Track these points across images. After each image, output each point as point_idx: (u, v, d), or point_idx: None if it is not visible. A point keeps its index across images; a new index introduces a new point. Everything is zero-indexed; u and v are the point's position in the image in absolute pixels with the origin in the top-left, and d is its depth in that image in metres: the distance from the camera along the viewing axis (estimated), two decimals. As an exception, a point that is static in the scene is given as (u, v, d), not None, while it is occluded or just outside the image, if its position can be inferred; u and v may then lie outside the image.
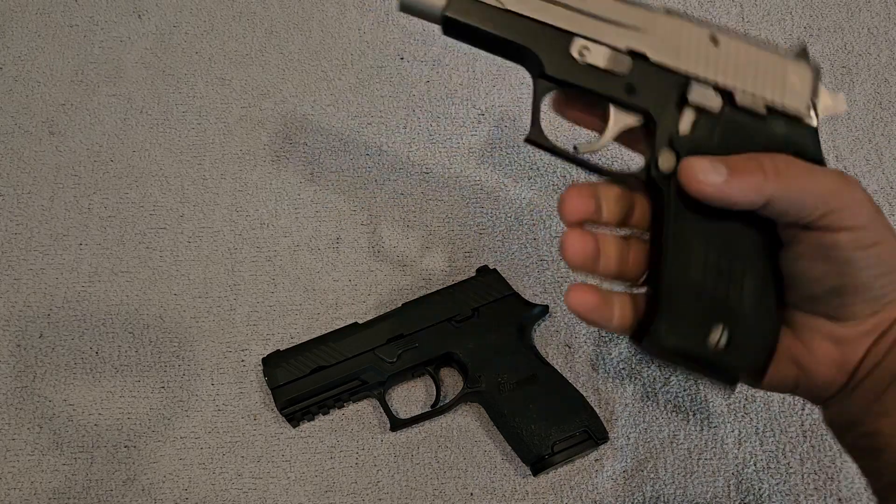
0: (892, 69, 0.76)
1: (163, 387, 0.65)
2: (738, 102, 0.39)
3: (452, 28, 0.45)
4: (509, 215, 0.70)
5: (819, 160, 0.39)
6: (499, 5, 0.42)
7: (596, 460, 0.61)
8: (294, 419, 0.61)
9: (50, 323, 0.67)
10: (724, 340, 0.39)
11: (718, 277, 0.39)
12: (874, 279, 0.37)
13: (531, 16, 0.42)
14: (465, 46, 0.81)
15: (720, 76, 0.39)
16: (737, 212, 0.38)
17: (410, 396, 0.64)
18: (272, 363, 0.61)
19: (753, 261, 0.39)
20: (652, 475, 0.60)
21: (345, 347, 0.61)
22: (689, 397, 0.62)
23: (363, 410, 0.63)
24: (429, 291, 0.65)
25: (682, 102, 0.39)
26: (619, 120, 0.41)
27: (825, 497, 0.59)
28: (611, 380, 0.63)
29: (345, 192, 0.72)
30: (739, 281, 0.39)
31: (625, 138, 0.42)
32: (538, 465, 0.58)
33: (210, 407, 0.64)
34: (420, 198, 0.71)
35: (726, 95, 0.39)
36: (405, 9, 0.46)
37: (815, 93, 0.39)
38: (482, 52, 0.81)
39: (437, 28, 0.83)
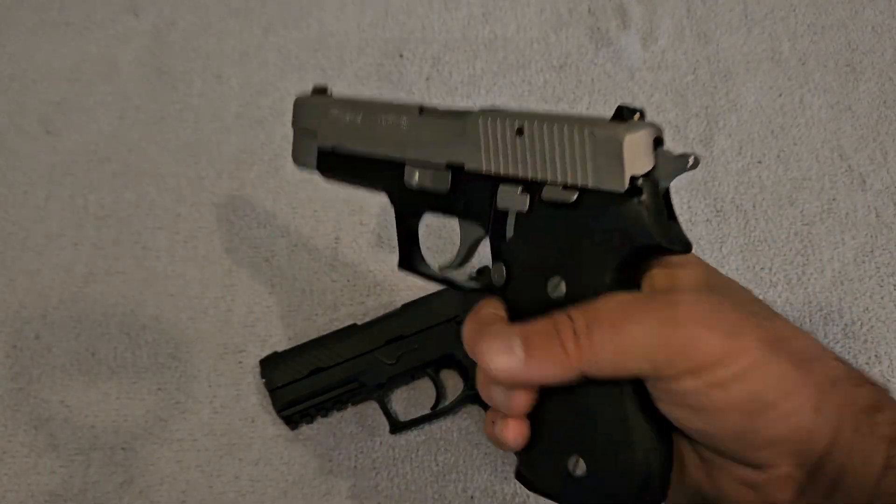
0: (897, 67, 0.75)
1: (159, 389, 0.64)
2: (543, 197, 0.34)
3: (329, 178, 0.49)
4: (510, 215, 0.69)
5: (649, 231, 0.31)
6: (342, 150, 0.45)
7: (597, 463, 0.60)
8: (292, 422, 0.60)
9: (45, 324, 0.66)
10: (580, 470, 0.33)
11: (570, 409, 0.33)
12: (750, 420, 0.29)
13: (371, 154, 0.43)
14: (464, 44, 0.81)
15: (525, 171, 0.35)
16: None
17: (410, 399, 0.63)
18: (270, 365, 0.60)
19: (609, 392, 0.32)
20: (654, 478, 0.59)
21: (344, 349, 0.60)
22: (692, 399, 0.62)
23: (362, 413, 0.62)
24: (428, 293, 0.64)
25: (497, 208, 0.36)
26: (466, 234, 0.41)
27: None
28: (613, 382, 0.63)
29: (343, 191, 0.71)
30: (594, 411, 0.33)
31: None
32: (539, 468, 0.57)
33: (207, 409, 0.63)
34: (420, 197, 0.71)
35: (535, 189, 0.34)
36: (299, 166, 0.51)
37: (640, 159, 0.31)
38: (482, 51, 0.81)
39: (437, 25, 0.83)
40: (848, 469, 0.29)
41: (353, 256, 0.68)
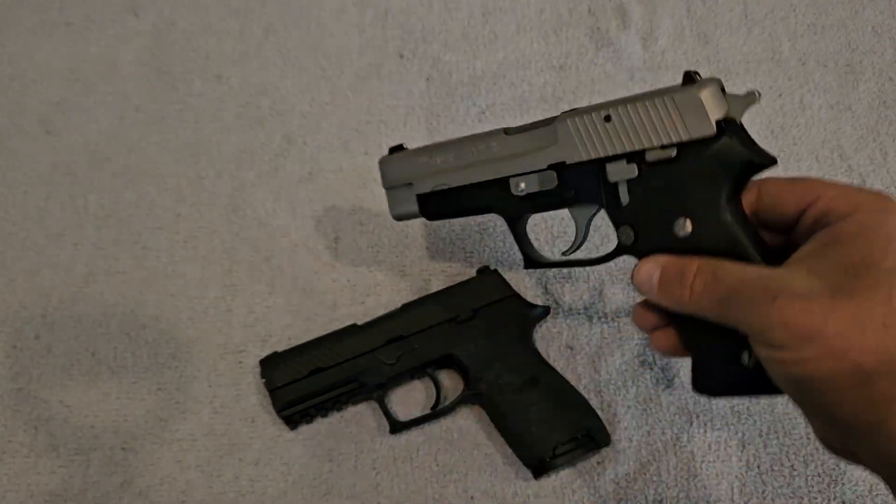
0: (897, 67, 0.75)
1: (159, 389, 0.64)
2: (647, 160, 0.42)
3: (435, 218, 0.56)
4: (510, 215, 0.69)
5: (745, 155, 0.40)
6: (446, 186, 0.52)
7: (598, 463, 0.60)
8: (292, 421, 0.60)
9: (45, 324, 0.66)
10: (753, 361, 0.40)
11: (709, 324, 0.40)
12: (800, 395, 0.36)
13: (472, 182, 0.50)
14: (464, 45, 0.81)
15: (623, 147, 0.43)
16: None
17: (410, 399, 0.63)
18: (270, 365, 0.60)
19: None
20: (655, 478, 0.59)
21: (343, 349, 0.60)
22: (693, 399, 0.62)
23: (362, 413, 0.62)
24: (428, 292, 0.64)
25: (608, 183, 0.44)
26: (581, 215, 0.48)
27: (829, 500, 0.58)
28: (613, 382, 0.63)
29: (344, 191, 0.71)
30: None
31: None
32: (540, 468, 0.57)
33: (207, 409, 0.63)
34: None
35: (638, 157, 0.43)
36: (399, 219, 0.57)
37: (718, 105, 0.40)
38: (482, 51, 0.81)
39: (436, 25, 0.83)
40: None
41: (353, 256, 0.68)
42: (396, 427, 0.60)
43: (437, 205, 0.53)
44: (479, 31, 0.79)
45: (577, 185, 0.46)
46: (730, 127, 0.40)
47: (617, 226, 0.45)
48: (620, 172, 0.43)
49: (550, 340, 0.64)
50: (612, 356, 0.64)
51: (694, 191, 0.41)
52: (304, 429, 0.62)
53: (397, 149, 0.56)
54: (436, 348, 0.60)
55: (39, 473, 0.61)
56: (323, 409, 0.61)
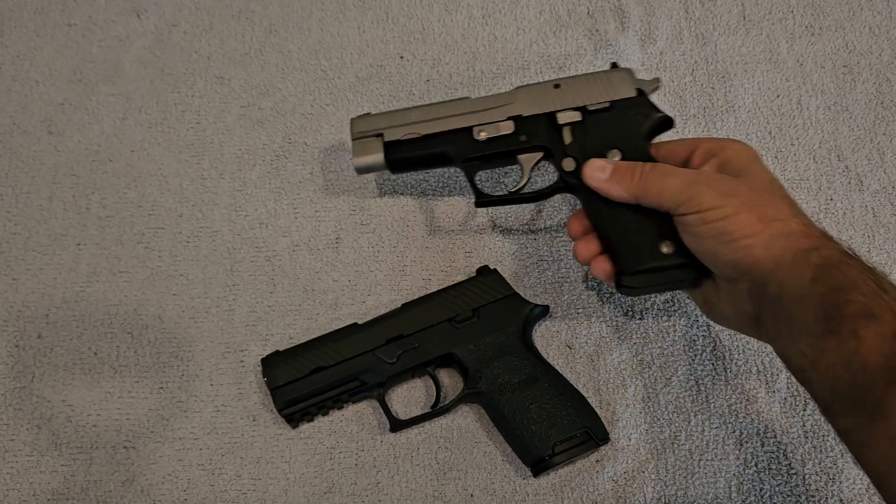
0: (894, 68, 0.75)
1: (161, 387, 0.64)
2: (589, 108, 0.60)
3: (397, 167, 0.64)
4: (509, 215, 0.70)
5: (655, 112, 0.59)
6: (416, 135, 0.62)
7: (597, 461, 0.60)
8: (293, 420, 0.61)
9: (48, 323, 0.67)
10: (671, 248, 0.54)
11: (638, 218, 0.55)
12: (720, 245, 0.49)
13: (440, 130, 0.62)
14: (464, 46, 0.81)
15: (568, 102, 0.61)
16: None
17: (410, 397, 0.63)
18: (271, 364, 0.61)
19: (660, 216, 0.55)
20: (653, 476, 0.60)
21: (344, 348, 0.61)
22: (691, 398, 0.62)
23: (363, 411, 0.63)
24: (429, 291, 0.64)
25: (557, 127, 0.60)
26: (527, 161, 0.62)
27: (827, 498, 0.58)
28: (612, 380, 0.63)
29: (344, 191, 0.72)
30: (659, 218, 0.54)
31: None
32: (539, 466, 0.57)
33: (209, 408, 0.63)
34: (420, 198, 0.71)
35: (582, 109, 0.60)
36: (361, 170, 0.64)
37: (635, 81, 0.61)
38: (482, 53, 0.81)
39: (437, 26, 0.83)
40: (785, 284, 0.46)
41: (354, 256, 0.69)
42: (397, 425, 0.60)
43: (403, 152, 0.62)
44: (479, 32, 0.79)
45: (529, 131, 0.61)
46: (642, 94, 0.60)
47: (559, 160, 0.59)
48: (568, 118, 0.60)
49: (550, 339, 0.65)
50: (610, 355, 0.64)
51: (621, 131, 0.59)
52: (305, 427, 0.62)
53: (362, 116, 0.65)
54: (436, 347, 0.61)
55: (42, 472, 0.62)
56: (324, 408, 0.61)
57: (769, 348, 0.60)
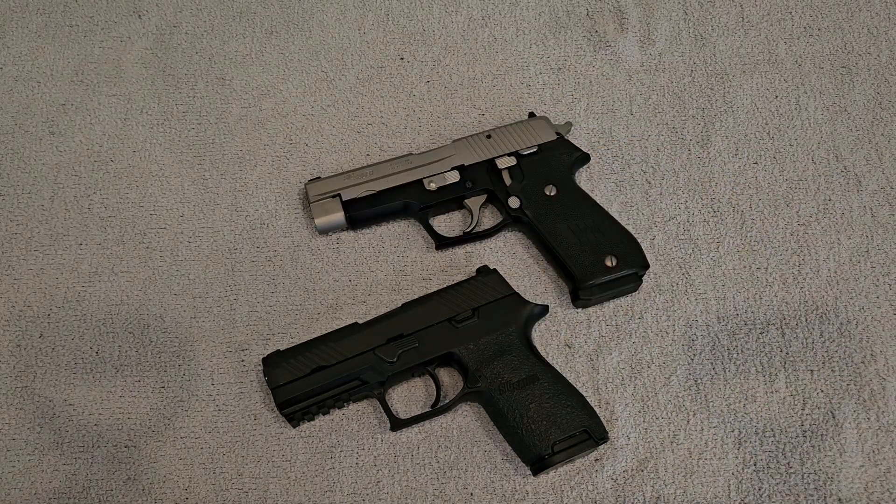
0: (892, 69, 0.76)
1: (163, 387, 0.65)
2: (522, 153, 0.70)
3: (357, 223, 0.69)
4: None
5: (575, 150, 0.70)
6: (372, 192, 0.68)
7: (596, 460, 0.61)
8: (294, 419, 0.61)
9: (50, 323, 0.67)
10: (615, 261, 0.64)
11: (585, 234, 0.66)
12: None
13: (394, 185, 0.68)
14: (464, 47, 0.81)
15: (503, 149, 0.70)
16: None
17: (410, 396, 0.64)
18: (272, 363, 0.61)
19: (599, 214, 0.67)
20: (652, 475, 0.60)
21: (345, 347, 0.61)
22: (690, 397, 0.62)
23: (363, 410, 0.63)
24: (429, 291, 0.65)
25: (497, 172, 0.69)
26: (474, 203, 0.69)
27: (825, 497, 0.59)
28: (611, 380, 0.63)
29: (345, 191, 0.72)
30: (600, 222, 0.66)
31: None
32: (538, 465, 0.58)
33: (210, 407, 0.64)
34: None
35: (516, 154, 0.70)
36: (323, 230, 0.69)
37: (552, 125, 0.71)
38: (482, 54, 0.82)
39: (437, 28, 0.83)
40: None
41: (355, 256, 0.69)
42: (397, 424, 0.61)
43: (362, 208, 0.68)
44: (479, 34, 0.79)
45: (473, 177, 0.69)
46: (561, 136, 0.71)
47: (504, 200, 0.68)
48: (506, 162, 0.69)
49: (549, 339, 0.65)
50: (609, 355, 0.64)
51: (552, 169, 0.69)
52: (306, 426, 0.63)
53: (316, 178, 0.70)
54: (436, 346, 0.61)
55: (44, 471, 0.62)
56: (324, 407, 0.61)
57: (769, 348, 0.61)
